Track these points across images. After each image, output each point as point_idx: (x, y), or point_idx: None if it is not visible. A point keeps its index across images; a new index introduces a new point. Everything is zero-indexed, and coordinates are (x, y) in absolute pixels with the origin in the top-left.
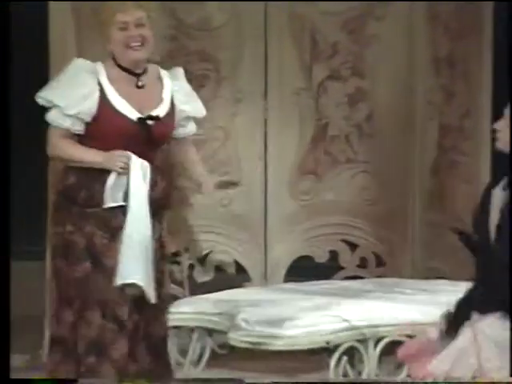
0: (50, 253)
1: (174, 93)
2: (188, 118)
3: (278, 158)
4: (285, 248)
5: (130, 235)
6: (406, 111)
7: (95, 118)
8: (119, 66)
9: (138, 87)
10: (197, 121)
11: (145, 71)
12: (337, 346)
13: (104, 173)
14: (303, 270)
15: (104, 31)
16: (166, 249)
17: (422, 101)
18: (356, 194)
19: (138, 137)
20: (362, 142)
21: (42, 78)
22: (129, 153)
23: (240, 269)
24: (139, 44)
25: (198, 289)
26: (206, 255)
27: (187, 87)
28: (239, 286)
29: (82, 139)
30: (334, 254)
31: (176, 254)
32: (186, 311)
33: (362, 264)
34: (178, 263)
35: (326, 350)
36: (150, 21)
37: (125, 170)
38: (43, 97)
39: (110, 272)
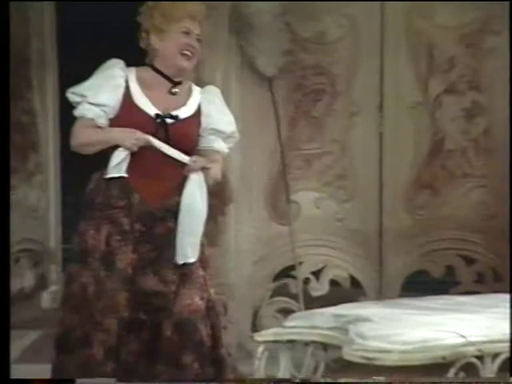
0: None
1: (202, 103)
2: (215, 132)
3: (394, 171)
4: (400, 263)
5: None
6: None
7: (118, 114)
8: (156, 70)
9: (171, 93)
10: (228, 139)
11: (180, 82)
12: (453, 362)
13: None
14: (419, 285)
15: (162, 30)
16: None
17: None
18: (473, 209)
19: (156, 134)
20: (479, 156)
21: None
22: (148, 136)
23: (355, 283)
24: (192, 54)
25: (312, 303)
26: (321, 269)
27: (218, 102)
28: (354, 300)
29: None
30: (450, 269)
31: (291, 268)
32: (300, 325)
33: (479, 279)
34: (294, 277)
35: (441, 366)
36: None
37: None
38: (72, 91)
39: (123, 275)
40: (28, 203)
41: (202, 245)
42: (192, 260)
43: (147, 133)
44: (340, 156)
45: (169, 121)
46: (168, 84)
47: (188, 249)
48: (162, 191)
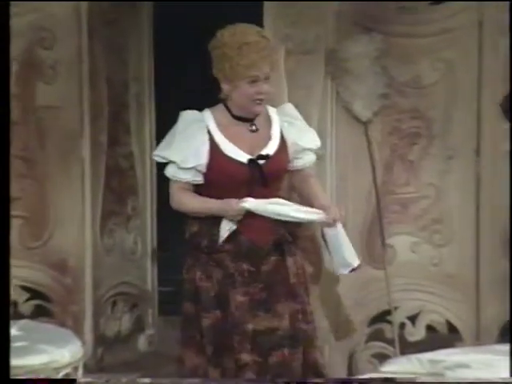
0: (183, 296)
1: (283, 128)
2: (303, 150)
3: (491, 216)
4: (498, 308)
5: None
6: None
7: (209, 167)
8: (231, 113)
9: (252, 131)
10: (317, 153)
11: (256, 116)
12: None
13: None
14: None
15: (232, 82)
16: None
17: None
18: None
19: (252, 178)
20: None
21: None
22: (243, 203)
23: (452, 328)
24: (263, 98)
25: (408, 348)
26: (417, 314)
27: (297, 120)
28: (451, 345)
29: (200, 187)
30: None
31: (387, 313)
32: (396, 371)
33: None
34: (389, 322)
35: None
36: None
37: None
38: (158, 154)
39: (238, 319)
40: (125, 246)
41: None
42: (357, 262)
43: (242, 179)
44: (436, 200)
45: (261, 162)
46: (245, 123)
47: (347, 256)
48: (267, 229)
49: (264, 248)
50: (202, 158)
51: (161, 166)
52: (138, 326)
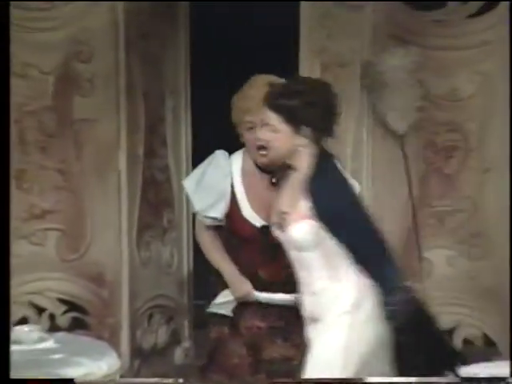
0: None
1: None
2: None
3: None
4: None
5: None
6: None
7: (228, 218)
8: (256, 164)
9: (273, 183)
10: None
11: (281, 168)
12: None
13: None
14: None
15: (237, 128)
16: None
17: None
18: None
19: (264, 243)
20: None
21: None
22: (256, 294)
23: (489, 342)
24: (265, 146)
25: None
26: (454, 328)
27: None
28: (488, 359)
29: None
30: None
31: None
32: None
33: None
34: None
35: None
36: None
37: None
38: (186, 187)
39: (251, 342)
40: (162, 260)
41: None
42: None
43: (254, 242)
44: (473, 213)
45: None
46: (265, 175)
47: None
48: (280, 268)
49: (279, 283)
50: (221, 212)
51: None
52: (175, 339)
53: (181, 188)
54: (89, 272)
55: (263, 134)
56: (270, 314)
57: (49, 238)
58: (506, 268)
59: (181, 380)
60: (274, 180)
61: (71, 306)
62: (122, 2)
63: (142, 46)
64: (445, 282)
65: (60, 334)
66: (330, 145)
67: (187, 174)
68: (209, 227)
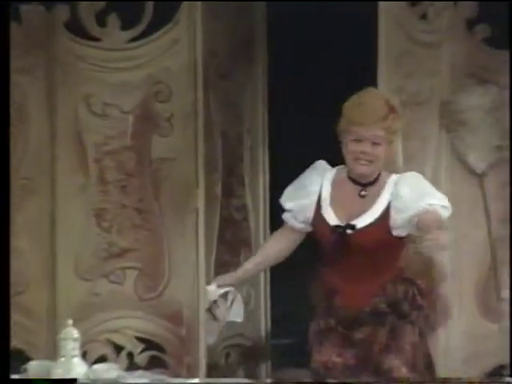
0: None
1: (392, 201)
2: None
3: None
4: None
5: None
6: None
7: (313, 222)
8: (347, 174)
9: (361, 196)
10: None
11: (374, 182)
12: None
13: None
14: None
15: (342, 137)
16: None
17: None
18: None
19: (334, 245)
20: None
21: None
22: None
23: None
24: (367, 160)
25: None
26: None
27: (409, 194)
28: None
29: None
30: None
31: (503, 368)
32: None
33: None
34: (504, 376)
35: None
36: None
37: None
38: (282, 200)
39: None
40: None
41: None
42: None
43: (327, 243)
44: None
45: (349, 231)
46: (356, 187)
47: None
48: (365, 294)
49: (358, 316)
50: (309, 215)
51: (274, 218)
52: (253, 378)
53: (258, 227)
54: (166, 310)
55: (374, 150)
56: (344, 349)
57: (127, 277)
58: None
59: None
60: (363, 193)
61: (149, 344)
62: (201, 43)
63: (220, 85)
64: None
65: (138, 373)
66: None
67: (265, 213)
68: (285, 227)
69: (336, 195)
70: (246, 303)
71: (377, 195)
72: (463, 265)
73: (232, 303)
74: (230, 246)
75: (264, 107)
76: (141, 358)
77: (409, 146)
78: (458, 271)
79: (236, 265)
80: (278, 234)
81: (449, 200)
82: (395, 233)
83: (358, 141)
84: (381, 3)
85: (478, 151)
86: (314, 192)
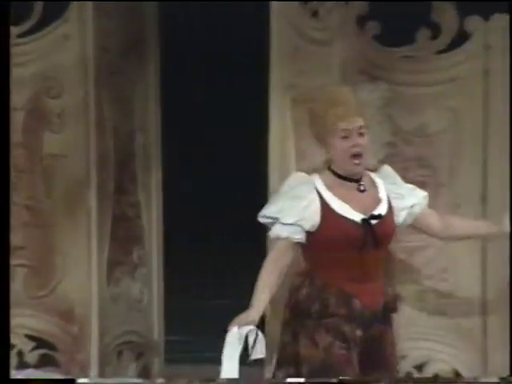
0: (276, 362)
1: (389, 192)
2: (410, 207)
3: (497, 265)
4: (505, 357)
5: None
6: None
7: (318, 227)
8: (336, 175)
9: (360, 191)
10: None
11: (362, 176)
12: None
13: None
14: None
15: (325, 140)
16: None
17: None
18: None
19: (365, 238)
20: None
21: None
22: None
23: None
24: (360, 152)
25: None
26: (425, 363)
27: (399, 182)
28: None
29: (305, 250)
30: None
31: None
32: None
33: None
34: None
35: None
36: (368, 129)
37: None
38: (264, 215)
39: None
40: (131, 295)
41: None
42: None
43: (355, 239)
44: (442, 249)
45: (373, 222)
46: (353, 184)
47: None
48: (378, 293)
49: (377, 315)
50: (310, 217)
51: (168, 216)
52: (144, 376)
53: (151, 224)
54: (58, 308)
55: (362, 141)
56: (365, 353)
57: (17, 275)
58: (476, 302)
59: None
60: (361, 187)
61: (40, 342)
62: (92, 40)
63: (112, 82)
64: (415, 318)
65: (28, 371)
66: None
67: (157, 210)
68: (287, 247)
69: (339, 195)
70: (139, 300)
71: (373, 186)
72: None
73: (255, 342)
74: (123, 244)
75: (157, 105)
76: (31, 357)
77: (301, 143)
78: None
79: (129, 263)
80: (273, 259)
81: None
82: (396, 220)
83: (345, 137)
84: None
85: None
86: (313, 199)
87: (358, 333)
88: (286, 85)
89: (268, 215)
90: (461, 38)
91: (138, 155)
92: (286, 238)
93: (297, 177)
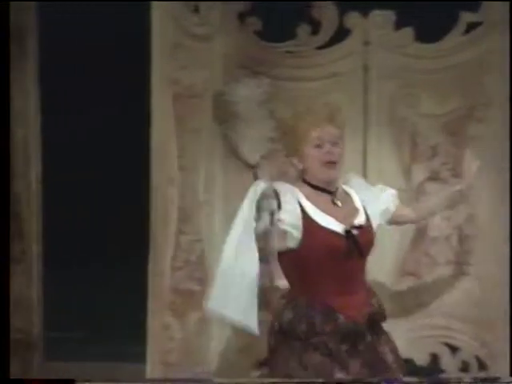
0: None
1: (362, 200)
2: (384, 210)
3: (378, 258)
4: None
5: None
6: (507, 213)
7: (301, 241)
8: (311, 185)
9: (335, 203)
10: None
11: (337, 188)
12: None
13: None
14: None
15: (297, 150)
16: None
17: None
18: (457, 297)
19: (349, 249)
20: (463, 243)
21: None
22: None
23: None
24: (334, 161)
25: None
26: None
27: (368, 188)
28: None
29: (287, 269)
30: (434, 357)
31: None
32: None
33: (464, 367)
34: None
35: None
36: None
37: None
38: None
39: None
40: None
41: None
42: None
43: (339, 251)
44: None
45: (355, 232)
46: (328, 196)
47: None
48: (363, 304)
49: (361, 328)
50: (295, 221)
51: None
52: (24, 372)
53: (31, 218)
54: None
55: (335, 150)
56: (352, 366)
57: None
58: None
59: None
60: (336, 201)
61: None
62: None
63: None
64: None
65: None
66: (182, 176)
67: (37, 204)
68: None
69: (318, 206)
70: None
71: (347, 197)
72: None
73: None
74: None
75: (36, 98)
76: None
77: (183, 138)
78: None
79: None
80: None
81: (223, 191)
82: (374, 226)
83: (318, 145)
84: None
85: (250, 142)
86: (294, 207)
87: (345, 347)
88: (168, 80)
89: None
90: (341, 34)
91: (18, 149)
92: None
93: (279, 186)
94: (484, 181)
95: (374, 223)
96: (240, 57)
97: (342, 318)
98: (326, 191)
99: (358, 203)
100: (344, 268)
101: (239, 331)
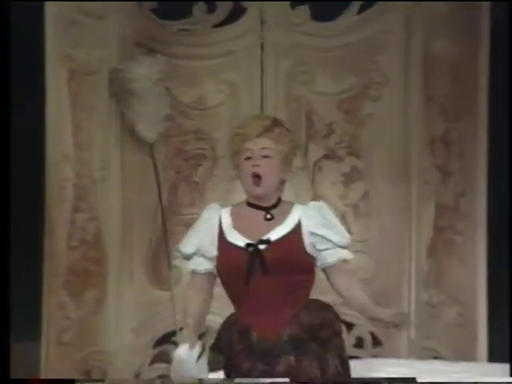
0: None
1: (302, 218)
2: (329, 245)
3: None
4: None
5: None
6: (402, 191)
7: (218, 257)
8: (247, 202)
9: (267, 219)
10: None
11: (276, 204)
12: None
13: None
14: None
15: (234, 162)
16: None
17: (417, 180)
18: (351, 274)
19: (250, 264)
20: (358, 221)
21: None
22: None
23: None
24: (259, 174)
25: None
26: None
27: (326, 215)
28: None
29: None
30: None
31: (173, 334)
32: None
33: (359, 343)
34: (175, 343)
35: None
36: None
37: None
38: (179, 250)
39: None
40: None
41: None
42: None
43: (239, 265)
44: None
45: (261, 247)
46: (261, 212)
47: None
48: (281, 323)
49: (275, 347)
50: (208, 244)
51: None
52: None
53: None
54: None
55: (264, 163)
56: None
57: None
58: None
59: None
60: (268, 216)
61: None
62: None
63: None
64: None
65: None
66: (77, 153)
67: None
68: (200, 278)
69: (238, 222)
70: None
71: (285, 214)
72: (133, 234)
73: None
74: None
75: None
76: None
77: (78, 115)
78: (129, 240)
79: None
80: (191, 290)
81: (120, 169)
82: (308, 249)
83: (249, 158)
84: None
85: (147, 120)
86: (212, 226)
87: (260, 366)
88: (61, 56)
89: (180, 250)
90: (237, 12)
91: None
92: (193, 271)
93: (209, 211)
94: (379, 158)
95: (308, 248)
96: (136, 34)
97: (254, 335)
98: (260, 207)
99: (291, 219)
100: (257, 285)
101: (134, 311)
